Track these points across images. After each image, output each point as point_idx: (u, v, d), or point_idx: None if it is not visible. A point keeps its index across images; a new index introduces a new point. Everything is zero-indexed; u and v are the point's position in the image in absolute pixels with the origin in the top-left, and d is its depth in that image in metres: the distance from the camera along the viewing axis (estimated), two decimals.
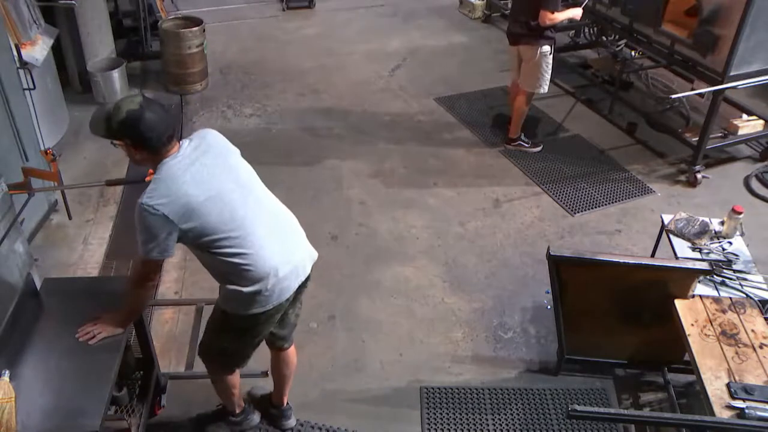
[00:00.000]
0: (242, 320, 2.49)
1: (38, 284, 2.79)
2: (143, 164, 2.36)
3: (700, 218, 3.40)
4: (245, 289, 2.37)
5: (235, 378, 2.83)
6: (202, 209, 2.25)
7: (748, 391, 2.48)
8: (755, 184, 4.90)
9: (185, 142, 2.36)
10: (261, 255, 2.35)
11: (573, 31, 6.86)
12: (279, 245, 2.43)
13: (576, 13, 4.74)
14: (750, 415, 2.37)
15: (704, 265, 2.98)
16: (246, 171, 2.47)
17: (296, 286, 2.53)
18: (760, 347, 2.70)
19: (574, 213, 4.57)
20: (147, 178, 2.79)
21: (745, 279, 3.06)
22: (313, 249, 2.62)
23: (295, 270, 2.49)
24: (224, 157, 2.41)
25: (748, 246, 3.29)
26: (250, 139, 5.24)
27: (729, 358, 2.64)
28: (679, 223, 3.39)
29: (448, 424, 3.12)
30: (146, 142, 2.23)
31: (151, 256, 2.27)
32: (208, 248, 2.33)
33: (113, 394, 2.52)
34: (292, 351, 2.91)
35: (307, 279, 2.59)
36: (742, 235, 3.33)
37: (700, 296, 2.95)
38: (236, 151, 2.50)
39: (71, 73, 5.83)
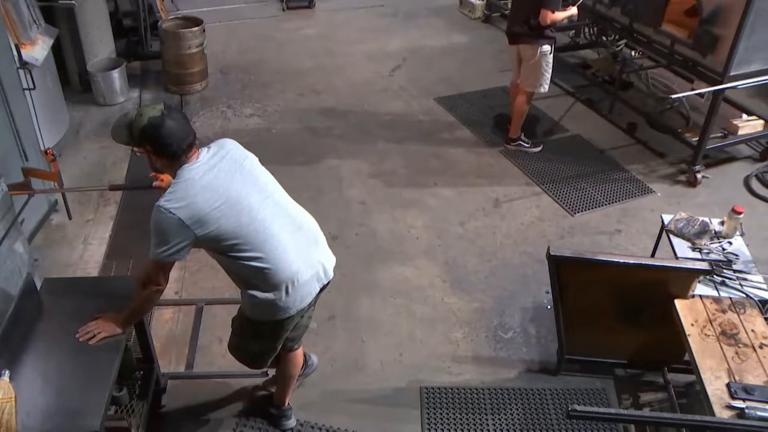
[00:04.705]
0: (267, 326, 2.52)
1: (38, 284, 2.79)
2: (163, 171, 2.42)
3: (700, 218, 3.40)
4: (266, 294, 2.39)
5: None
6: (219, 214, 2.27)
7: (748, 391, 2.48)
8: (755, 184, 4.89)
9: (204, 150, 2.40)
10: (281, 258, 2.37)
11: (573, 31, 6.86)
12: (299, 249, 2.44)
13: (573, 11, 4.76)
14: (750, 415, 2.37)
15: (704, 265, 2.98)
16: (265, 176, 2.50)
17: (318, 289, 2.55)
18: (760, 347, 2.69)
19: (574, 213, 4.57)
20: (155, 183, 2.81)
21: (745, 279, 3.06)
22: (332, 254, 2.63)
23: (317, 274, 2.51)
24: (242, 164, 2.43)
25: (748, 246, 3.29)
26: (250, 139, 5.23)
27: (729, 358, 2.64)
28: (679, 223, 3.39)
29: (448, 424, 3.12)
30: (166, 149, 2.27)
31: (160, 257, 2.29)
32: (228, 252, 2.35)
33: (113, 394, 2.52)
34: (300, 352, 2.93)
35: (328, 282, 2.60)
36: (742, 235, 3.33)
37: (700, 296, 2.95)
38: (255, 158, 2.52)
39: (71, 73, 5.83)
